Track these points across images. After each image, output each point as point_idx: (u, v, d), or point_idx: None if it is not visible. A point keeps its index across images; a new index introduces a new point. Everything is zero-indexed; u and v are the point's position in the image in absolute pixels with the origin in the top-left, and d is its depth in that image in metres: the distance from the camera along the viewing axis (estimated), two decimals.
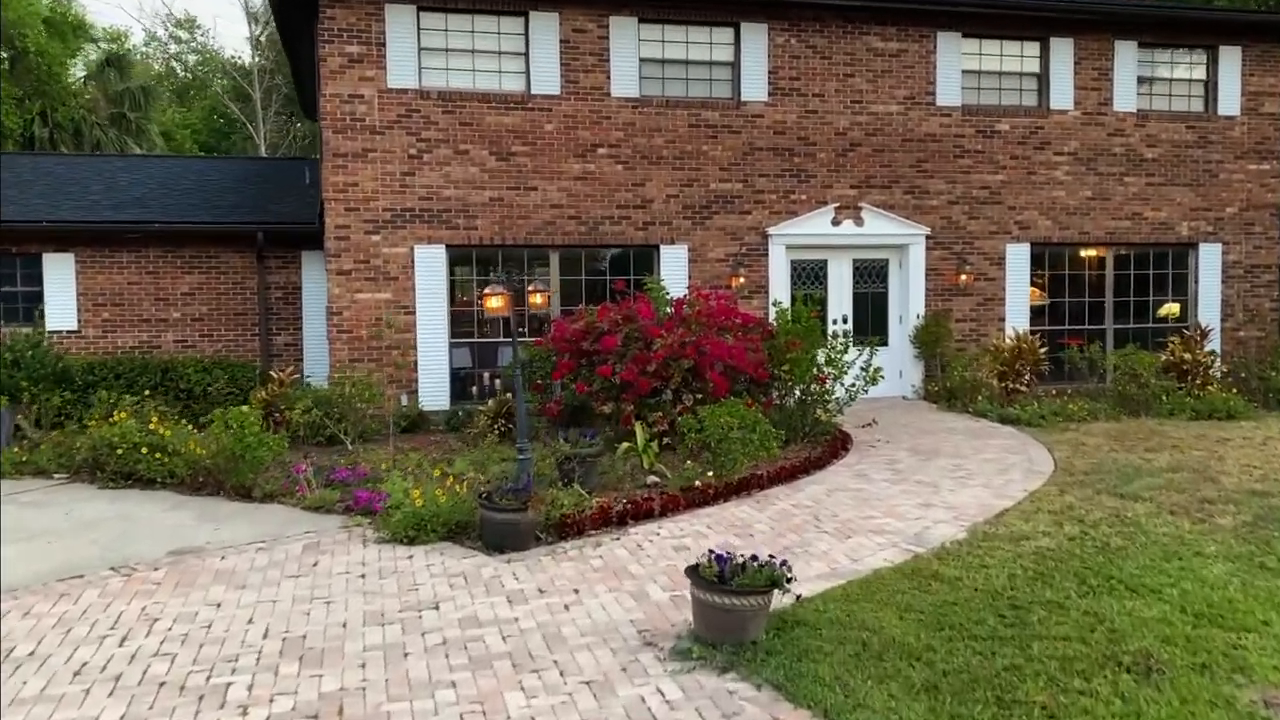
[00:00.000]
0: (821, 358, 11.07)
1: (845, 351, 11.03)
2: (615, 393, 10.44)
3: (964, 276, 14.61)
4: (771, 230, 13.97)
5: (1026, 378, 13.18)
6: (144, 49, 42.02)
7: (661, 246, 13.68)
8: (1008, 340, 13.87)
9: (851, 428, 11.82)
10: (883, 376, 11.31)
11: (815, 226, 14.14)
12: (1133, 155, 15.28)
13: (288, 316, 14.31)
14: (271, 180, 15.70)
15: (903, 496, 8.61)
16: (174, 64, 42.02)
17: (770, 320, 11.95)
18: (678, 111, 13.66)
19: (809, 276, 14.47)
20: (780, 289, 14.03)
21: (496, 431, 11.32)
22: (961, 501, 8.39)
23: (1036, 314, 15.18)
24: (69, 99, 23.98)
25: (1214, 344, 15.08)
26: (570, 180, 13.35)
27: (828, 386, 11.01)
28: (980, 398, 13.13)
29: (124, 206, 13.92)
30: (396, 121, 12.80)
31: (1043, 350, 13.42)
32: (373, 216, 12.78)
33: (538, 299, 8.17)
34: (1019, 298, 14.97)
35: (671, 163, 13.66)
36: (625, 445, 9.70)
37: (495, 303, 8.09)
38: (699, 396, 10.35)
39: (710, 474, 8.74)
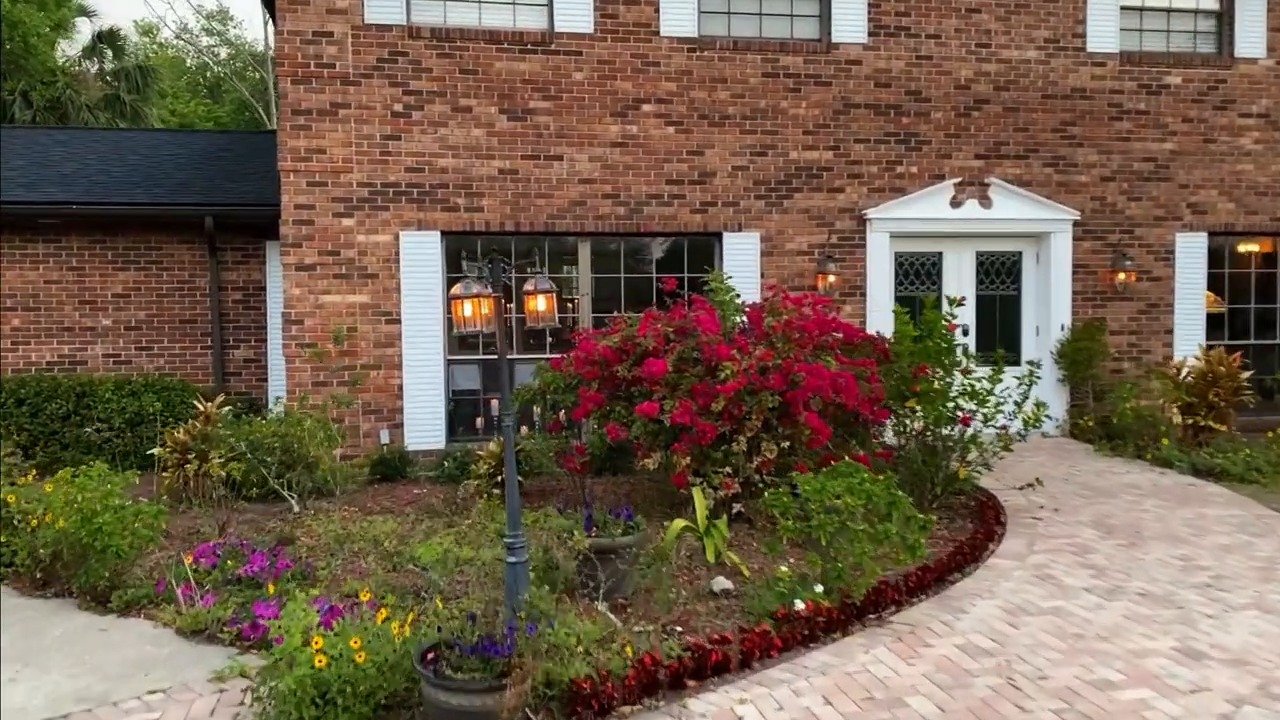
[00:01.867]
0: (956, 387, 7.71)
1: (998, 381, 7.64)
2: (664, 439, 7.21)
3: (1122, 275, 11.12)
4: (871, 213, 10.61)
5: (1224, 412, 9.66)
6: (175, 42, 39.87)
7: (725, 234, 10.40)
8: (1189, 360, 10.34)
9: (993, 483, 8.45)
10: (1049, 416, 7.91)
11: (928, 208, 10.76)
12: None
13: (249, 324, 11.27)
14: (240, 156, 12.72)
15: (1136, 630, 5.22)
16: (205, 58, 39.75)
17: (874, 333, 8.62)
18: (748, 56, 10.38)
19: (919, 274, 11.09)
20: (881, 290, 10.67)
21: (498, 485, 8.14)
22: (1246, 645, 4.99)
23: (1213, 324, 11.63)
24: (50, 77, 21.35)
25: None
26: (606, 146, 10.13)
27: (973, 430, 7.65)
28: (1164, 440, 9.62)
29: (40, 185, 10.97)
30: (377, 68, 9.69)
31: (1245, 375, 9.89)
32: (344, 194, 9.68)
33: (539, 304, 4.90)
34: (1192, 303, 11.43)
35: (739, 124, 10.38)
36: (679, 523, 6.44)
37: (470, 310, 4.91)
38: (785, 445, 7.09)
39: (819, 588, 5.42)
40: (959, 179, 10.82)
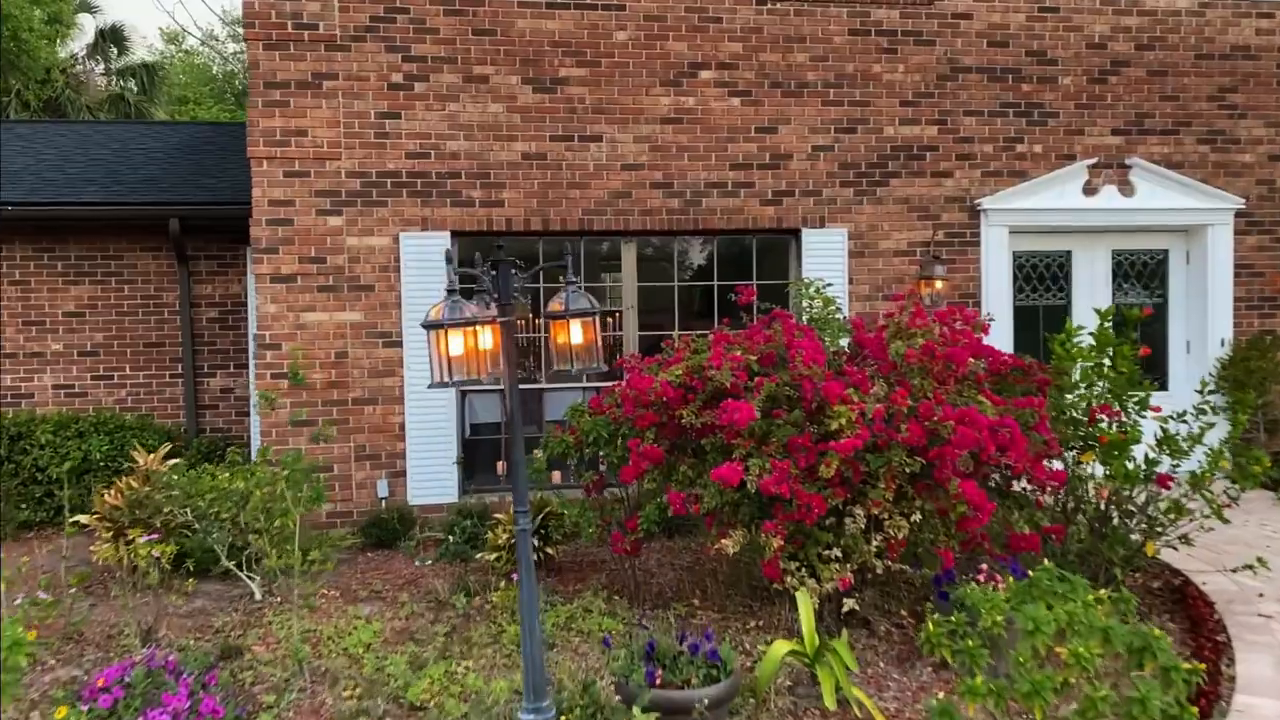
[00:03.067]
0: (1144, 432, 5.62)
1: (1209, 425, 5.57)
2: (747, 512, 5.19)
3: None
4: (986, 203, 8.53)
5: None
6: (202, 49, 38.63)
7: (803, 231, 8.37)
8: None
9: (1173, 554, 6.31)
10: (1277, 473, 5.79)
11: (1056, 196, 8.65)
12: None
13: (226, 347, 9.42)
14: (224, 149, 10.88)
15: None
16: (232, 66, 38.47)
17: (1011, 356, 6.52)
18: (831, 10, 8.36)
19: (1040, 278, 8.97)
20: (999, 298, 8.58)
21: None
22: None
23: None
24: (47, 76, 19.78)
25: None
26: (655, 123, 8.15)
27: (1172, 495, 5.55)
28: None
29: None
30: (370, 29, 7.79)
31: None
32: (331, 186, 7.77)
33: (574, 334, 2.80)
34: None
35: (821, 94, 8.35)
36: (779, 648, 4.43)
37: (459, 345, 2.97)
38: (915, 518, 5.03)
39: None
40: (1093, 160, 8.70)
